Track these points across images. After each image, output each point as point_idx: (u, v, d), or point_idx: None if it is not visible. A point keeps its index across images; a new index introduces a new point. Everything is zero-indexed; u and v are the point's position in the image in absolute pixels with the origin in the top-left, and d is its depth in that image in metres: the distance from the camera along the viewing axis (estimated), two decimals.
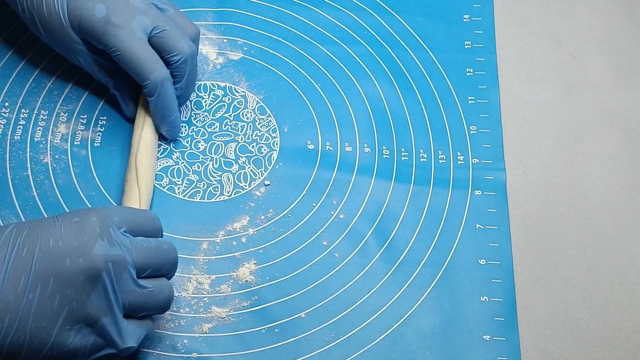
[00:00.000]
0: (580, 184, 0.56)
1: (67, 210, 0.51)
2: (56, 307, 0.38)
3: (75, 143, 0.55)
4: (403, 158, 0.56)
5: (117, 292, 0.40)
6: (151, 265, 0.42)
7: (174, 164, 0.55)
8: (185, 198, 0.53)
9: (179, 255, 0.50)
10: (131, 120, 0.55)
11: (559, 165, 0.57)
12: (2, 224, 0.50)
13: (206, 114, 0.57)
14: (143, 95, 0.54)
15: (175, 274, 0.50)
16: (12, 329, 0.37)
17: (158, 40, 0.51)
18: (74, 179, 0.53)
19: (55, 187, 0.52)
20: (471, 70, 0.60)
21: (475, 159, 0.56)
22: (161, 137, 0.55)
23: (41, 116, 0.56)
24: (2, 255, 0.38)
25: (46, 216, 0.42)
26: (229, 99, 0.58)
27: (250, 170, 0.55)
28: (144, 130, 0.53)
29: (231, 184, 0.54)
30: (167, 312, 0.49)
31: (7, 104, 0.56)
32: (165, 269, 0.44)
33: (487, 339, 0.49)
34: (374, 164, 0.56)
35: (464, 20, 0.63)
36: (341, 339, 0.49)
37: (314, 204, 0.54)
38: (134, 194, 0.50)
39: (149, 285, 0.42)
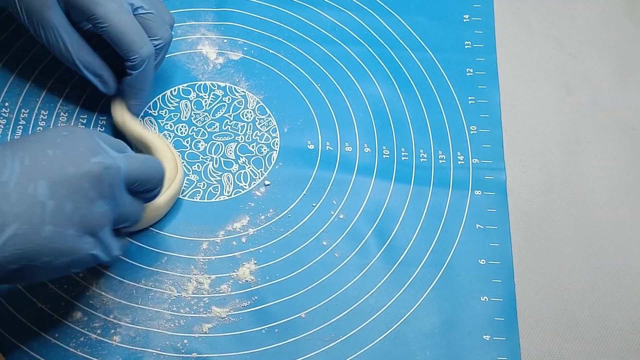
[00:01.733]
0: (580, 184, 0.56)
1: None
2: (69, 212, 0.38)
3: None
4: (403, 158, 0.56)
5: (116, 201, 0.41)
6: (140, 177, 0.43)
7: None
8: (185, 198, 0.53)
9: (179, 255, 0.51)
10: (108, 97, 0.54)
11: (559, 165, 0.57)
12: None
13: (206, 114, 0.57)
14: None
15: (176, 274, 0.50)
16: (31, 232, 0.37)
17: (142, 21, 0.50)
18: None
19: None
20: (471, 70, 0.60)
21: (475, 159, 0.56)
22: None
23: (41, 116, 0.56)
24: (3, 163, 0.37)
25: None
26: (229, 99, 0.58)
27: (250, 170, 0.55)
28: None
29: (231, 184, 0.54)
30: (168, 312, 0.49)
31: (7, 104, 0.56)
32: (153, 182, 0.45)
33: (487, 339, 0.49)
34: (374, 164, 0.56)
35: (464, 20, 0.63)
36: (341, 339, 0.49)
37: (314, 204, 0.54)
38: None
39: (132, 202, 0.43)
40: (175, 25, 0.60)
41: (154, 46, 0.51)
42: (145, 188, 0.44)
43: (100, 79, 0.52)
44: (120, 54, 0.50)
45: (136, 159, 0.43)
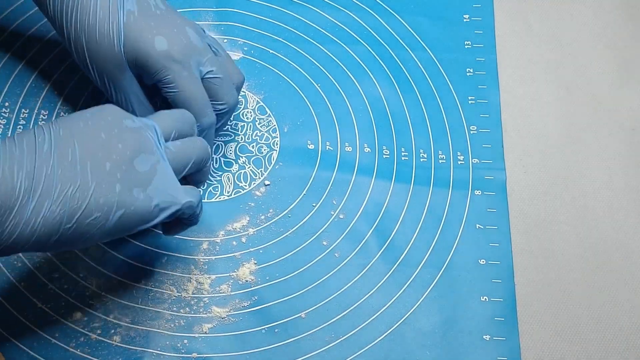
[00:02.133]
0: (580, 184, 0.56)
1: None
2: (109, 170, 0.40)
3: None
4: (403, 158, 0.56)
5: (158, 151, 0.42)
6: (175, 127, 0.45)
7: None
8: None
9: (179, 255, 0.51)
10: None
11: (559, 165, 0.57)
12: None
13: None
14: None
15: (175, 274, 0.50)
16: (76, 190, 0.39)
17: (209, 85, 0.50)
18: None
19: None
20: (471, 70, 0.60)
21: (475, 159, 0.56)
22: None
23: (41, 116, 0.56)
24: (42, 136, 0.39)
25: None
26: None
27: (250, 170, 0.55)
28: None
29: (231, 184, 0.54)
30: (168, 312, 0.49)
31: (7, 104, 0.56)
32: (187, 127, 0.46)
33: (487, 339, 0.49)
34: (374, 164, 0.56)
35: (464, 20, 0.63)
36: (341, 339, 0.49)
37: (314, 204, 0.54)
38: None
39: (182, 142, 0.45)
40: None
41: (218, 111, 0.50)
42: (183, 134, 0.46)
43: None
44: None
45: (164, 114, 0.46)
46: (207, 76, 0.49)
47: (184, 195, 0.43)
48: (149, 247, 0.51)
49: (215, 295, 0.50)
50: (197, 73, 0.49)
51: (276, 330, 0.49)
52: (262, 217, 0.53)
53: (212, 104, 0.50)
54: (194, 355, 0.48)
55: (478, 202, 0.54)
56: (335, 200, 0.54)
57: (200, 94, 0.49)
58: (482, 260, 0.52)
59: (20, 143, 0.39)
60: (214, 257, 0.51)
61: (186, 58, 0.48)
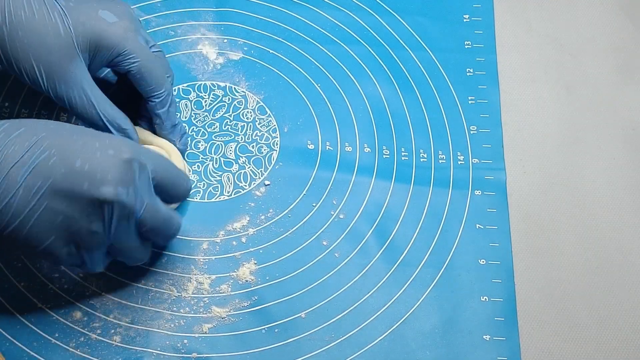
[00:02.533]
0: (580, 184, 0.56)
1: None
2: (57, 224, 0.40)
3: None
4: (403, 158, 0.56)
5: (112, 232, 0.41)
6: (150, 227, 0.43)
7: None
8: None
9: (179, 255, 0.51)
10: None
11: (559, 165, 0.57)
12: None
13: (206, 114, 0.57)
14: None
15: (175, 274, 0.50)
16: (14, 223, 0.39)
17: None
18: None
19: None
20: (471, 70, 0.60)
21: (475, 159, 0.56)
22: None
23: (41, 116, 0.56)
24: (30, 156, 0.38)
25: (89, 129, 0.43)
26: (229, 99, 0.58)
27: (250, 170, 0.55)
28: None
29: (231, 184, 0.54)
30: (168, 312, 0.49)
31: (7, 104, 0.56)
32: (161, 238, 0.45)
33: (487, 339, 0.49)
34: (374, 164, 0.56)
35: (464, 20, 0.63)
36: (341, 339, 0.49)
37: (314, 204, 0.54)
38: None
39: (136, 242, 0.44)
40: (175, 25, 0.60)
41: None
42: (152, 237, 0.44)
43: (124, 133, 0.49)
44: (145, 92, 0.50)
45: (157, 213, 0.43)
46: (152, 50, 0.50)
47: (98, 268, 0.44)
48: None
49: (215, 295, 0.50)
50: (145, 44, 0.50)
51: (276, 330, 0.49)
52: (262, 217, 0.53)
53: None
54: (194, 355, 0.48)
55: (478, 202, 0.54)
56: (335, 200, 0.54)
57: (157, 60, 0.49)
58: (482, 260, 0.52)
59: (11, 145, 0.39)
60: (214, 257, 0.51)
61: (138, 28, 0.48)
